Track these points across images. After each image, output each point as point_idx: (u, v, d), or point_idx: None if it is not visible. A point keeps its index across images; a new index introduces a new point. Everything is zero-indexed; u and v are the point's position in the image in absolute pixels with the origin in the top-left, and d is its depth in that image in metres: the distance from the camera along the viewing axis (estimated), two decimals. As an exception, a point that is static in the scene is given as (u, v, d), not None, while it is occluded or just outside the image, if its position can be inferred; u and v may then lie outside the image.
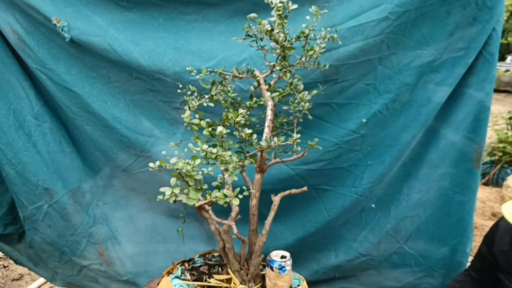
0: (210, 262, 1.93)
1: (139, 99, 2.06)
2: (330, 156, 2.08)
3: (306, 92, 1.63)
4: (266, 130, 1.68)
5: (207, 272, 1.84)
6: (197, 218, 2.28)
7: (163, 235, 2.32)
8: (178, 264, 1.89)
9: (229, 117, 1.60)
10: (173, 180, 1.45)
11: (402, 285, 2.33)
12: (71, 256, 2.23)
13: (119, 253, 2.28)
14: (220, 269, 1.87)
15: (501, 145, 5.17)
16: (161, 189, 1.42)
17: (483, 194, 4.85)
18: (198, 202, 1.45)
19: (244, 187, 1.50)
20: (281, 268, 1.65)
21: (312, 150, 1.62)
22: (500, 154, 5.18)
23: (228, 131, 1.56)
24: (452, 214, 2.16)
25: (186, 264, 1.90)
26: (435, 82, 1.98)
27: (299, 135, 1.52)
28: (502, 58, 16.03)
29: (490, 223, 3.84)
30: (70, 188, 2.17)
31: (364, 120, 2.01)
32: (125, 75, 2.01)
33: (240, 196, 1.43)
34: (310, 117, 1.63)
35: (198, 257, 1.97)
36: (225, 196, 1.43)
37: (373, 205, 2.20)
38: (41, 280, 2.55)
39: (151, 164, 1.43)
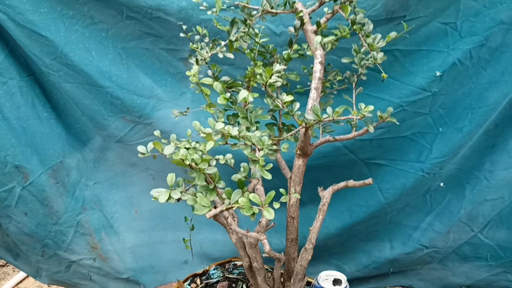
0: (231, 276, 1.43)
1: (134, 46, 1.60)
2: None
3: (379, 36, 1.09)
4: (313, 94, 1.15)
5: (227, 291, 1.36)
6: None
7: (172, 220, 1.88)
8: (186, 281, 1.39)
9: (257, 76, 1.05)
10: (171, 178, 0.98)
11: (473, 282, 1.94)
12: (56, 249, 1.79)
13: (117, 245, 1.83)
14: (245, 287, 1.38)
15: None
16: (153, 192, 0.96)
17: None
18: (210, 211, 0.96)
19: (281, 190, 1.00)
20: (335, 299, 1.16)
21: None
22: None
23: (256, 95, 1.06)
24: (547, 196, 1.74)
25: (198, 281, 1.41)
26: (540, 20, 1.49)
27: (372, 107, 0.99)
28: None
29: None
30: (50, 165, 1.69)
31: (438, 73, 1.57)
32: (113, 13, 1.54)
33: (277, 206, 0.93)
34: (384, 75, 1.08)
35: (214, 269, 1.48)
36: (252, 203, 0.92)
37: (441, 184, 1.79)
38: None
39: (140, 148, 1.00)
